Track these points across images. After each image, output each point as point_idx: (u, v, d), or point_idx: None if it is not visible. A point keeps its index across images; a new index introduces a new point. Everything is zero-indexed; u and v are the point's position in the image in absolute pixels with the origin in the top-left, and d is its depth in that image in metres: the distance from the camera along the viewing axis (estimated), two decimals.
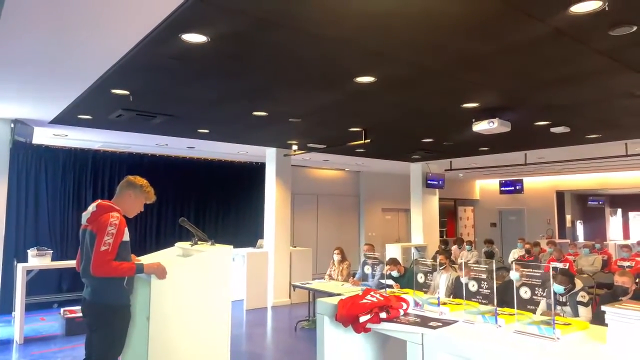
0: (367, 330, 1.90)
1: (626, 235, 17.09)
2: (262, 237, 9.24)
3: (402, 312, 1.93)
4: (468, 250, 10.12)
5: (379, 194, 13.70)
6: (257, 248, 9.06)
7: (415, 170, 11.46)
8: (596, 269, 8.50)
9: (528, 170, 12.64)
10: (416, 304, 2.05)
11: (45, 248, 6.79)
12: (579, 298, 4.69)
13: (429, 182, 11.38)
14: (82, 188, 8.96)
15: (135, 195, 3.33)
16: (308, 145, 8.32)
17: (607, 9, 2.88)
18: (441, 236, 13.07)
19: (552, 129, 6.77)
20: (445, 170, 11.61)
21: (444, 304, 2.06)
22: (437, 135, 7.60)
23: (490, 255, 9.87)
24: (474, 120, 5.85)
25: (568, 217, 15.39)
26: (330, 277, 7.34)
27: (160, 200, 9.79)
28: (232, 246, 3.52)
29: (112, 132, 7.40)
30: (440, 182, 11.65)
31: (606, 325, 1.60)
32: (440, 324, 1.78)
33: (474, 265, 2.00)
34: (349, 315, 1.90)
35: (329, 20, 3.12)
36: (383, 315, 1.85)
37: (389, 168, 12.22)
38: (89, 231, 3.19)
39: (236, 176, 10.91)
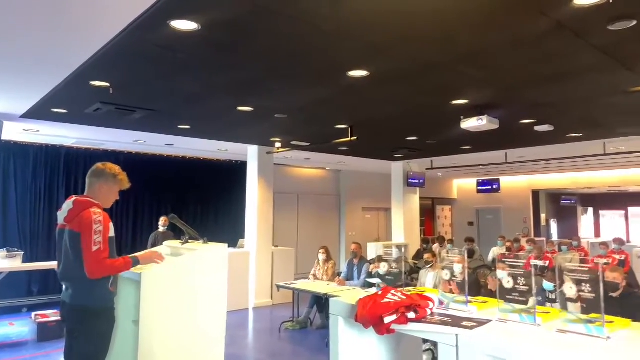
0: (391, 331, 1.77)
1: (597, 234, 17.55)
2: (243, 237, 9.02)
3: (429, 312, 1.81)
4: (449, 249, 10.15)
5: (360, 193, 13.65)
6: (238, 248, 8.84)
7: (397, 169, 11.44)
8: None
9: (505, 170, 12.81)
10: (440, 302, 1.94)
11: (15, 249, 6.43)
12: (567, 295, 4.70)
13: (410, 181, 11.39)
14: (53, 186, 8.55)
15: (108, 186, 3.07)
16: (292, 142, 8.16)
17: (611, 1, 2.85)
18: (419, 235, 13.11)
19: (536, 127, 6.82)
20: (426, 169, 11.63)
21: (470, 302, 1.96)
22: (422, 132, 7.56)
23: (470, 253, 9.92)
24: (462, 117, 5.82)
25: (543, 216, 15.69)
26: (315, 277, 7.21)
27: (136, 200, 9.55)
28: (227, 244, 3.33)
29: (88, 128, 7.08)
30: (421, 181, 11.67)
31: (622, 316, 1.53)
32: (475, 324, 1.67)
33: (508, 260, 1.92)
34: (372, 316, 1.77)
35: (327, 10, 3.00)
36: (411, 315, 1.73)
37: (370, 167, 12.18)
38: (68, 230, 2.95)
39: (216, 175, 10.66)
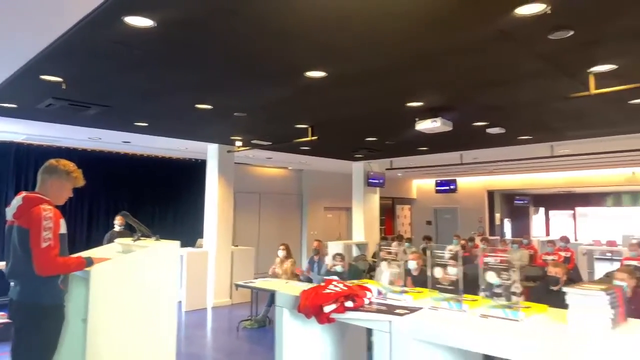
0: (331, 320, 1.85)
1: (547, 232, 18.39)
2: (202, 236, 8.94)
3: (367, 301, 1.90)
4: (407, 247, 10.41)
5: (322, 193, 13.76)
6: (196, 248, 8.76)
7: (358, 169, 11.62)
8: (524, 263, 9.05)
9: (462, 171, 13.24)
10: (379, 293, 2.04)
11: None
12: (512, 289, 4.94)
13: (370, 180, 11.59)
14: (2, 184, 8.21)
15: (61, 183, 3.02)
16: (252, 141, 8.16)
17: (549, 12, 3.04)
18: (380, 234, 13.35)
19: (489, 130, 7.11)
20: (386, 169, 11.87)
21: (406, 292, 2.06)
22: (381, 133, 7.73)
23: (426, 251, 10.21)
24: (417, 119, 6.00)
25: (497, 216, 16.30)
26: (275, 274, 7.25)
27: (92, 199, 9.29)
28: (179, 242, 3.33)
29: (39, 124, 6.84)
30: (381, 180, 11.89)
31: (560, 308, 1.68)
32: (407, 311, 1.77)
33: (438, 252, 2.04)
34: (313, 306, 1.84)
35: (285, 10, 3.06)
36: (349, 304, 1.81)
37: (332, 167, 12.30)
38: (16, 227, 2.88)
39: (175, 173, 10.50)
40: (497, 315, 1.71)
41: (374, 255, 10.41)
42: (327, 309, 1.82)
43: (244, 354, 5.84)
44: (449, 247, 10.89)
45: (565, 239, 9.52)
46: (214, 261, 8.44)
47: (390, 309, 1.81)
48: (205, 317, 7.77)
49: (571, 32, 3.41)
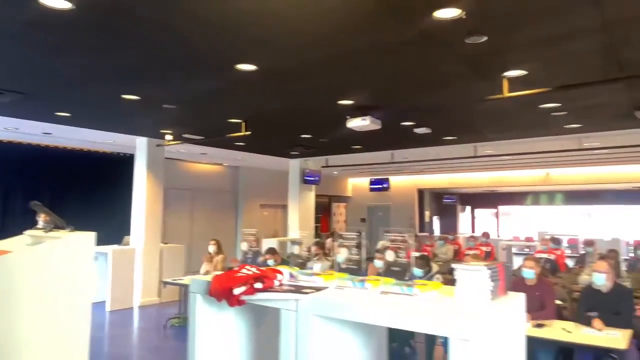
0: (241, 302, 1.88)
1: (473, 229, 19.46)
2: (129, 233, 8.60)
3: (277, 283, 1.95)
4: (340, 243, 10.61)
5: (258, 190, 13.68)
6: (123, 245, 8.40)
7: (294, 166, 11.68)
8: (449, 257, 9.54)
9: (394, 170, 13.70)
10: (291, 276, 2.09)
11: None
12: (434, 280, 5.23)
13: (306, 178, 11.68)
14: None
15: None
16: (183, 135, 7.96)
17: (464, 17, 3.25)
18: (315, 231, 13.51)
19: (416, 130, 7.42)
20: (322, 167, 12.02)
21: (316, 274, 2.13)
22: (315, 130, 7.83)
23: (357, 246, 10.48)
24: (348, 117, 6.14)
25: (427, 213, 17.02)
26: (206, 271, 7.12)
27: (7, 194, 8.63)
28: (95, 233, 3.18)
29: None
30: (316, 178, 12.02)
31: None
32: (314, 290, 1.84)
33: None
34: (223, 289, 1.86)
35: (209, 1, 3.03)
36: (258, 285, 1.85)
37: (268, 164, 12.27)
38: None
39: (101, 168, 10.00)
40: (395, 291, 1.83)
41: (308, 250, 10.51)
42: (237, 291, 1.84)
43: (170, 351, 5.70)
44: (380, 242, 11.27)
45: (486, 235, 10.14)
46: (141, 259, 8.15)
47: (298, 289, 1.86)
48: (131, 316, 7.48)
49: (485, 38, 3.65)
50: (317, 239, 10.97)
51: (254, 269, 1.97)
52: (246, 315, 2.16)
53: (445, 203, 18.42)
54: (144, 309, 7.91)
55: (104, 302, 7.71)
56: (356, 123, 6.06)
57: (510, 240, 13.73)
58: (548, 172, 13.64)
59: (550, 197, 18.11)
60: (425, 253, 7.43)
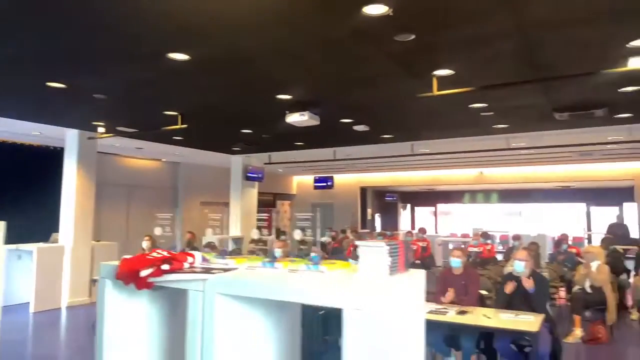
0: (149, 285, 1.85)
1: (413, 226, 20.09)
2: (58, 230, 8.15)
3: (187, 266, 1.93)
4: (281, 239, 10.64)
5: (199, 187, 13.38)
6: (51, 243, 7.95)
7: (236, 163, 11.54)
8: None
9: (337, 167, 13.88)
10: (204, 259, 2.08)
11: None
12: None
13: (249, 175, 11.58)
14: None
15: None
16: (117, 128, 7.65)
17: (391, 14, 3.34)
18: (259, 229, 13.42)
19: (355, 127, 7.55)
20: (265, 163, 11.96)
21: (229, 257, 2.13)
22: (255, 126, 7.78)
23: (302, 242, 10.55)
24: (287, 112, 6.15)
25: (369, 211, 17.38)
26: None
27: None
28: (4, 222, 2.98)
29: None
30: (259, 175, 11.94)
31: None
32: (222, 271, 1.85)
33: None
34: (130, 271, 1.82)
35: None
36: (165, 267, 1.82)
37: (210, 160, 12.05)
38: None
39: (28, 162, 9.40)
40: (302, 269, 1.87)
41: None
42: (144, 273, 1.81)
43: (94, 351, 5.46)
44: (322, 238, 11.40)
45: (422, 231, 10.51)
46: (69, 257, 7.75)
47: (207, 271, 1.86)
48: (58, 317, 7.10)
49: (413, 36, 3.78)
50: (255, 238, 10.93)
51: (165, 253, 1.94)
52: (160, 301, 2.12)
53: (387, 201, 18.89)
54: (73, 309, 7.53)
55: (28, 303, 7.27)
56: (295, 118, 6.08)
57: (446, 237, 14.36)
58: (481, 171, 14.32)
59: (486, 195, 19.04)
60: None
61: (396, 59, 4.36)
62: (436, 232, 18.00)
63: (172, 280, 1.81)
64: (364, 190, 16.97)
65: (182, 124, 6.73)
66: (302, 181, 17.58)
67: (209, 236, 10.16)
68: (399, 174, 15.75)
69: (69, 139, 8.11)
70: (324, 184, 15.72)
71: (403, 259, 1.74)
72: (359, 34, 3.74)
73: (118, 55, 4.31)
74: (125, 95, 5.74)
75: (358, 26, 3.59)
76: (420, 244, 9.91)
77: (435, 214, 20.43)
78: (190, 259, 1.95)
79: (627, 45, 3.92)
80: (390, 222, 18.86)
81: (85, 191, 8.10)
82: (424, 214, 20.80)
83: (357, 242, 1.82)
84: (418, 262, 8.81)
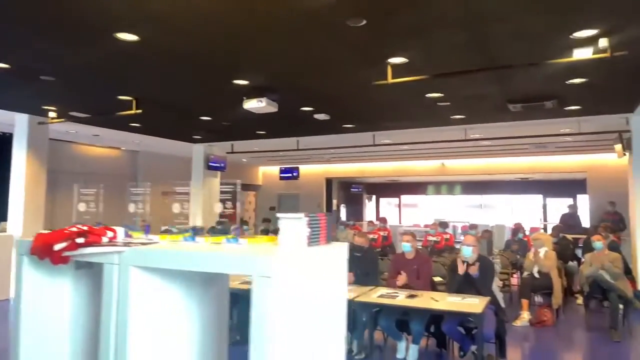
0: (64, 260, 1.80)
1: (378, 217, 20.34)
2: (7, 219, 7.83)
3: (107, 240, 1.88)
4: (246, 230, 10.55)
5: (159, 176, 13.06)
6: None
7: (197, 151, 11.35)
8: (350, 240, 9.89)
9: (302, 158, 13.85)
10: (127, 234, 2.04)
11: None
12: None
13: (210, 164, 11.41)
14: None
15: None
16: (70, 113, 7.38)
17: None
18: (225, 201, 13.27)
19: (315, 116, 7.54)
20: (227, 152, 11.81)
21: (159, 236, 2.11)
22: (214, 113, 7.65)
23: (265, 232, 10.50)
24: (244, 97, 6.07)
25: (335, 201, 17.47)
26: None
27: None
28: None
29: None
30: (222, 164, 11.78)
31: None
32: (140, 244, 1.82)
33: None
34: (44, 245, 1.77)
35: None
36: (80, 240, 1.78)
37: (171, 149, 11.80)
38: None
39: None
40: (224, 243, 1.88)
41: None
42: (57, 247, 1.76)
43: None
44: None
45: (383, 220, 10.64)
46: None
47: (125, 245, 1.82)
48: (6, 308, 6.83)
49: (364, 21, 3.78)
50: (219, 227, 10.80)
51: (84, 228, 1.88)
52: (84, 280, 2.06)
53: (352, 192, 19.03)
54: None
55: None
56: (252, 104, 6.01)
57: (408, 227, 14.63)
58: (443, 162, 14.60)
59: (449, 187, 19.44)
60: None
61: (350, 45, 4.36)
62: (400, 223, 18.30)
63: (87, 253, 1.76)
64: (329, 181, 17.04)
65: (137, 109, 6.55)
66: (268, 172, 17.48)
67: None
68: (363, 165, 15.88)
69: (18, 123, 7.78)
70: (290, 175, 15.68)
71: (325, 232, 1.76)
72: (312, 18, 3.71)
73: (63, 33, 4.14)
74: (74, 78, 5.54)
75: (308, 8, 3.56)
76: (382, 233, 10.04)
77: (399, 205, 20.74)
78: (110, 234, 1.90)
79: (571, 37, 4.05)
80: (356, 213, 19.03)
81: (35, 179, 7.80)
82: (388, 205, 21.08)
83: (277, 214, 1.82)
84: (379, 250, 8.96)
